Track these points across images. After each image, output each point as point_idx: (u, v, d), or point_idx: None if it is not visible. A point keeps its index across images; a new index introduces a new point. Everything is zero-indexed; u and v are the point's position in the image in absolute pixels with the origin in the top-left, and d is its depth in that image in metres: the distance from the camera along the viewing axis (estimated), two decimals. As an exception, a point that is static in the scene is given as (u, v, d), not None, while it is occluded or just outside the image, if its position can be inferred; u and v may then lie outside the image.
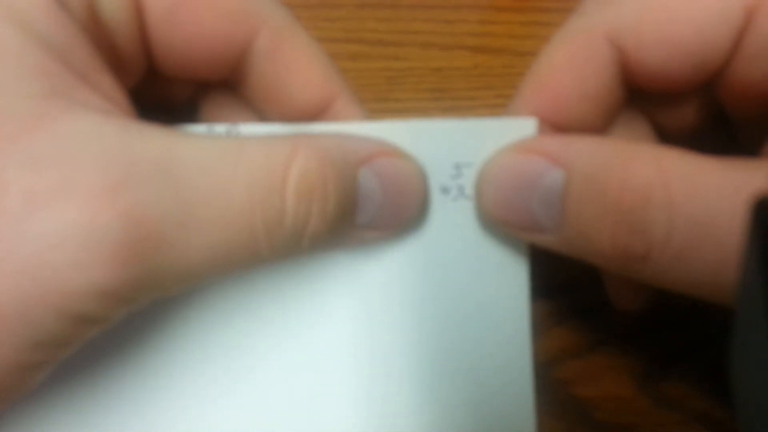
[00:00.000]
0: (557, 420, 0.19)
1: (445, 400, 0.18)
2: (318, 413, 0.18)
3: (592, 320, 0.21)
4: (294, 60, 0.17)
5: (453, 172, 0.17)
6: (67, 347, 0.13)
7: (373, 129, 0.17)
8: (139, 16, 0.16)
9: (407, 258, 0.18)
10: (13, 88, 0.12)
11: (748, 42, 0.15)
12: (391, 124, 0.17)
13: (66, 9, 0.14)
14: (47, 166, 0.11)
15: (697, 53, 0.15)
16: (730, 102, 0.17)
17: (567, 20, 0.18)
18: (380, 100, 0.26)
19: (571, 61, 0.17)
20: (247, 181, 0.13)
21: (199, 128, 0.17)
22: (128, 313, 0.13)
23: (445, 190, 0.18)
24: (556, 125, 0.17)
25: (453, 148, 0.17)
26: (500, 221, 0.17)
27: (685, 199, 0.14)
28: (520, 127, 0.17)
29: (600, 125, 0.18)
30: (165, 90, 0.18)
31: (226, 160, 0.13)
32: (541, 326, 0.20)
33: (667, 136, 0.19)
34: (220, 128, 0.17)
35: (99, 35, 0.15)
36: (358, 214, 0.16)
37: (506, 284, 0.18)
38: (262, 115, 0.18)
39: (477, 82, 0.27)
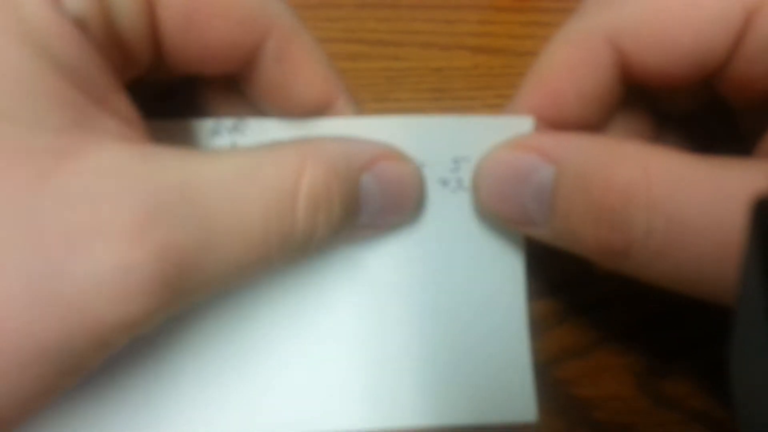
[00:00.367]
0: (557, 419, 0.19)
1: (444, 385, 0.18)
2: (318, 401, 0.18)
3: (591, 320, 0.21)
4: (299, 62, 0.17)
5: (452, 165, 0.18)
6: (94, 367, 0.13)
7: (376, 124, 0.18)
8: (153, 26, 0.16)
9: (407, 246, 0.18)
10: (36, 121, 0.12)
11: (747, 43, 0.15)
12: (393, 119, 0.18)
13: (82, 27, 0.14)
14: (80, 206, 0.12)
15: (697, 55, 0.16)
16: (730, 94, 0.17)
17: (567, 20, 0.18)
18: (380, 100, 0.26)
19: (571, 62, 0.17)
20: (262, 201, 0.14)
21: (207, 123, 0.18)
22: None
23: (444, 183, 0.18)
24: (554, 124, 0.18)
25: (452, 143, 0.18)
26: (495, 213, 0.18)
27: (666, 199, 0.14)
28: (518, 125, 0.18)
29: (598, 122, 0.18)
30: (167, 79, 0.18)
31: (242, 182, 0.14)
32: (541, 326, 0.20)
33: (668, 119, 0.19)
34: (227, 122, 0.18)
35: (113, 49, 0.15)
36: (359, 216, 0.17)
37: (503, 271, 0.19)
38: (262, 110, 0.19)
39: (477, 82, 0.27)
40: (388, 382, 0.18)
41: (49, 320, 0.12)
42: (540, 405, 0.18)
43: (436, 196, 0.18)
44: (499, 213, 0.18)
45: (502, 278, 0.19)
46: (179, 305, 0.14)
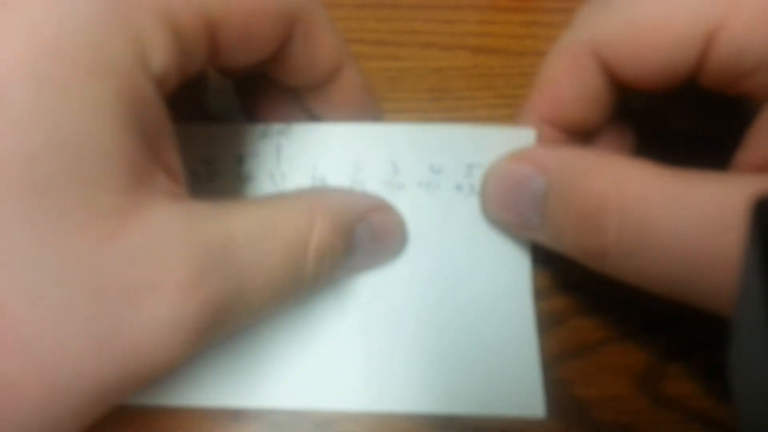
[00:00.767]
0: (557, 419, 0.19)
1: (454, 376, 0.19)
2: (337, 384, 0.19)
3: (591, 320, 0.21)
4: (320, 38, 0.19)
5: (466, 171, 0.21)
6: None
7: (396, 131, 0.21)
8: (213, 48, 0.17)
9: (423, 246, 0.21)
10: (107, 183, 0.13)
11: (711, 57, 0.17)
12: (413, 127, 0.21)
13: (161, 83, 0.15)
14: (140, 265, 0.13)
15: (666, 67, 0.17)
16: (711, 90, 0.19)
17: (567, 21, 0.19)
18: (380, 100, 0.26)
19: (565, 71, 0.19)
20: (282, 253, 0.16)
21: (258, 127, 0.21)
22: None
23: (459, 188, 0.21)
24: (559, 125, 0.20)
25: (466, 150, 0.21)
26: (498, 219, 0.20)
27: (636, 207, 0.16)
28: (522, 136, 0.20)
29: (601, 121, 0.20)
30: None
31: (267, 237, 0.16)
32: (541, 326, 0.20)
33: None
34: (276, 127, 0.21)
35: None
36: (351, 259, 0.19)
37: (511, 270, 0.21)
38: (284, 83, 0.20)
39: (477, 82, 0.27)
40: (401, 370, 0.19)
41: (108, 368, 0.13)
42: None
43: (451, 200, 0.21)
44: (501, 219, 0.20)
45: (511, 277, 0.20)
46: (208, 344, 0.15)
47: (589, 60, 0.19)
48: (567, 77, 0.19)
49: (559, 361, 0.20)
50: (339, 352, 0.20)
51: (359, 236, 0.19)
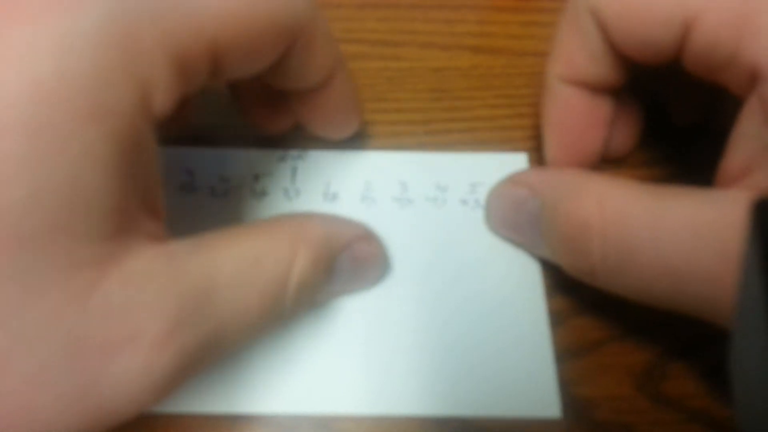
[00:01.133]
0: (557, 419, 0.19)
1: (470, 379, 0.19)
2: (350, 388, 0.19)
3: (591, 320, 0.21)
4: (317, 48, 0.19)
5: (469, 188, 0.23)
6: None
7: (405, 158, 0.24)
8: (217, 75, 0.16)
9: (434, 254, 0.22)
10: (88, 232, 0.13)
11: (689, 46, 0.17)
12: (421, 155, 0.24)
13: (158, 125, 0.14)
14: (116, 318, 0.13)
15: (650, 43, 0.18)
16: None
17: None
18: (380, 100, 0.26)
19: (569, 30, 0.20)
20: (261, 289, 0.16)
21: (276, 152, 0.23)
22: None
23: (464, 202, 0.23)
24: (579, 82, 0.20)
25: (468, 172, 0.23)
26: (504, 236, 0.22)
27: (617, 229, 0.17)
28: (515, 160, 0.24)
29: (614, 78, 0.20)
30: None
31: (247, 273, 0.16)
32: (541, 326, 0.20)
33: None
34: (293, 153, 0.23)
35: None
36: (329, 288, 0.19)
37: (521, 272, 0.21)
38: (275, 86, 0.20)
39: (477, 82, 0.27)
40: (411, 375, 0.19)
41: (77, 425, 0.13)
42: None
43: (457, 213, 0.22)
44: (506, 236, 0.22)
45: (522, 277, 0.21)
46: (183, 385, 0.15)
47: (589, 20, 0.19)
48: (572, 37, 0.20)
49: (559, 361, 0.20)
50: (345, 359, 0.20)
51: (339, 265, 0.19)
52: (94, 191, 0.13)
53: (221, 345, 0.15)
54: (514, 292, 0.21)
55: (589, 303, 0.21)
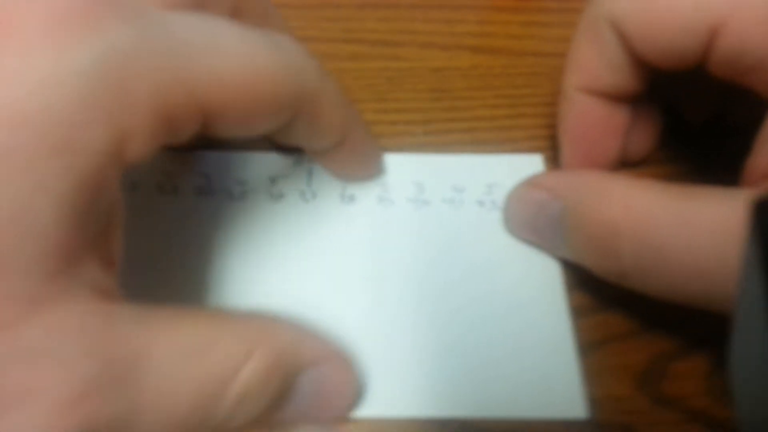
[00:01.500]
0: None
1: (494, 380, 0.19)
2: (379, 389, 0.19)
3: (591, 320, 0.21)
4: (326, 116, 0.18)
5: (486, 189, 0.23)
6: None
7: (421, 161, 0.24)
8: (207, 127, 0.16)
9: (451, 255, 0.22)
10: (29, 269, 0.12)
11: (716, 51, 0.17)
12: (435, 156, 0.24)
13: (127, 158, 0.14)
14: (26, 366, 0.12)
15: (674, 50, 0.18)
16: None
17: (567, 21, 0.21)
18: (380, 100, 0.26)
19: (587, 42, 0.20)
20: (197, 386, 0.14)
21: (292, 155, 0.23)
22: None
23: (481, 203, 0.23)
24: (596, 92, 0.21)
25: (484, 174, 0.23)
26: (524, 239, 0.22)
27: (646, 230, 0.17)
28: (531, 161, 0.24)
29: (632, 88, 0.20)
30: None
31: (188, 363, 0.14)
32: (541, 326, 0.20)
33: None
34: (307, 156, 0.23)
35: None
36: (283, 407, 0.16)
37: (540, 271, 0.21)
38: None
39: (477, 82, 0.27)
40: (440, 376, 0.19)
41: None
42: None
43: (474, 214, 0.22)
44: (525, 239, 0.22)
45: (540, 279, 0.21)
46: None
47: (608, 30, 0.19)
48: (590, 47, 0.20)
49: (559, 361, 0.20)
50: (365, 361, 0.19)
51: (301, 387, 0.16)
52: (41, 225, 0.12)
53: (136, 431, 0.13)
54: (533, 292, 0.21)
55: (590, 303, 0.21)
